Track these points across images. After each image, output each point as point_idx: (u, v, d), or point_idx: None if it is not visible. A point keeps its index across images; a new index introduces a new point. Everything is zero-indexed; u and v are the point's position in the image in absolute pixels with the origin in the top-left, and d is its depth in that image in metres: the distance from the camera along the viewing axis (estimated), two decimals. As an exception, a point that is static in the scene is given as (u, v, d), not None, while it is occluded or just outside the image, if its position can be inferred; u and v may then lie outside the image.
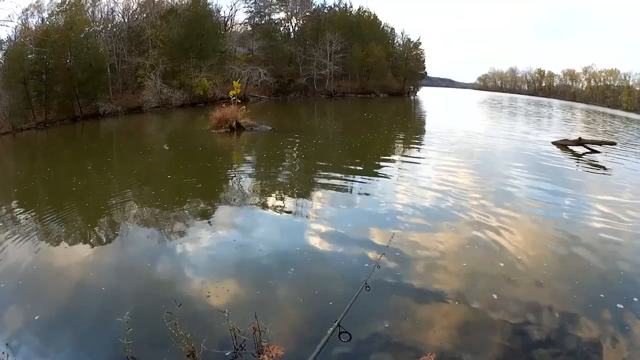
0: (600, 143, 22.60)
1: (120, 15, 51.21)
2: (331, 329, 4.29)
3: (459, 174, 14.90)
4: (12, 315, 6.45)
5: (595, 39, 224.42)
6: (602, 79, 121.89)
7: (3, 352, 5.27)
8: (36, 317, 6.29)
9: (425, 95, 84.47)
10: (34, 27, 40.62)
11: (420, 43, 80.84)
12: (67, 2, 42.21)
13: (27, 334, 5.95)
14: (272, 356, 5.18)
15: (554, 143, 23.54)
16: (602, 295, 6.85)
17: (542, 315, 6.30)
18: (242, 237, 9.36)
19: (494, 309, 6.45)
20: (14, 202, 13.35)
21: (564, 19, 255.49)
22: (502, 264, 7.82)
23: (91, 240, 9.37)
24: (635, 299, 6.75)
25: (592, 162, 18.80)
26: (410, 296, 6.81)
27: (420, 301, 6.70)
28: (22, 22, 40.88)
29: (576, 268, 7.93)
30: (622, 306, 6.54)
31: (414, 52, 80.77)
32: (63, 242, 9.29)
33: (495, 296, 6.77)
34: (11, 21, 37.61)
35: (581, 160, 19.37)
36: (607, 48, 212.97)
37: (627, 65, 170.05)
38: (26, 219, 11.23)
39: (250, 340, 5.36)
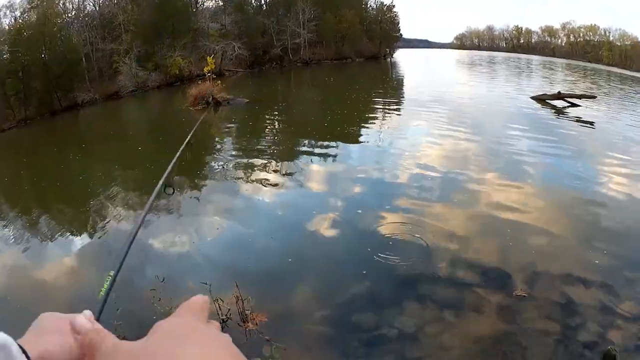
0: (579, 97, 22.69)
1: (91, 3, 50.94)
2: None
3: (450, 140, 14.77)
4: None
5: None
6: (581, 35, 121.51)
7: None
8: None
9: (402, 57, 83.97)
10: (7, 27, 40.50)
11: (393, 6, 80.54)
12: (38, -2, 41.83)
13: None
14: (256, 323, 5.38)
15: (532, 98, 23.76)
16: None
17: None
18: (223, 211, 9.66)
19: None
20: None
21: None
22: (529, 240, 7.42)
23: (81, 225, 9.84)
24: None
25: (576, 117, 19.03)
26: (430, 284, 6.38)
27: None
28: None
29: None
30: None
31: (387, 15, 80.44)
32: (55, 228, 9.86)
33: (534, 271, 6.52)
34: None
35: (563, 114, 19.72)
36: (584, 6, 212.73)
37: (606, 21, 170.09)
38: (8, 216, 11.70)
39: (234, 310, 5.53)
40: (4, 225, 10.95)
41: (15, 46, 35.81)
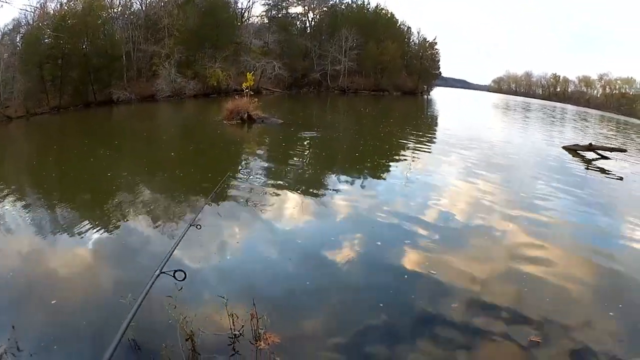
0: (611, 149, 22.35)
1: (138, 2, 51.41)
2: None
3: (478, 181, 14.46)
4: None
5: (612, 53, 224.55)
6: (617, 87, 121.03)
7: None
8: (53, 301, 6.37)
9: (439, 95, 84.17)
10: (52, 12, 40.73)
11: (435, 43, 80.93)
12: (85, -13, 42.23)
13: (33, 318, 5.99)
14: (268, 343, 5.16)
15: (564, 148, 23.30)
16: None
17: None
18: (243, 230, 9.44)
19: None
20: (27, 185, 13.61)
21: (584, 32, 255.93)
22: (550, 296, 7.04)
23: (98, 226, 9.44)
24: None
25: (607, 170, 18.50)
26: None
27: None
28: (40, 5, 41.00)
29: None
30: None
31: (429, 52, 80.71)
32: (70, 227, 9.43)
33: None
34: (31, 5, 38.02)
35: (593, 167, 19.20)
36: (623, 60, 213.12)
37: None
38: (34, 202, 11.46)
39: (247, 327, 5.35)
40: (27, 210, 10.79)
41: (57, 32, 35.88)
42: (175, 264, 7.07)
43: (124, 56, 44.13)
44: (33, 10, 39.92)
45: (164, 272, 3.54)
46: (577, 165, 19.32)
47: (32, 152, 19.64)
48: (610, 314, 6.51)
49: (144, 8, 51.36)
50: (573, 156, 21.33)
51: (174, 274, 3.51)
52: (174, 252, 3.99)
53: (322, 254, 8.18)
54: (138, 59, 47.69)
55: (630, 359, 5.51)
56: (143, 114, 35.78)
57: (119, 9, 48.91)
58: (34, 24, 39.18)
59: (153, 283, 3.28)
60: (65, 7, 41.06)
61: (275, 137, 22.84)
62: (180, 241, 4.42)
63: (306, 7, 70.12)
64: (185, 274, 3.50)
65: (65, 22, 36.93)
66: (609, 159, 20.84)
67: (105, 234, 8.98)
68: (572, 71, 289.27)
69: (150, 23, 49.93)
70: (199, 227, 5.29)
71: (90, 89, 38.65)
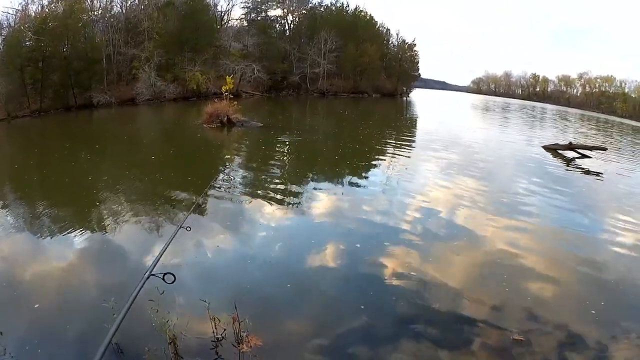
0: (590, 148, 22.88)
1: (118, 5, 51.39)
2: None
3: (456, 183, 14.66)
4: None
5: (592, 51, 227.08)
6: (597, 85, 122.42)
7: None
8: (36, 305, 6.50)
9: (418, 97, 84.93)
10: (33, 14, 40.62)
11: (414, 45, 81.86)
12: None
13: (16, 321, 6.04)
14: (251, 346, 5.29)
15: (544, 147, 23.87)
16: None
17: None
18: (224, 232, 9.49)
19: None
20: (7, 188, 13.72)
21: (562, 31, 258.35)
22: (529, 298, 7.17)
23: (79, 230, 9.42)
24: None
25: (586, 169, 19.15)
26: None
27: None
28: (22, 8, 41.00)
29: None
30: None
31: (408, 54, 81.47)
32: (50, 230, 9.50)
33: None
34: (12, 8, 38.01)
35: (573, 165, 19.90)
36: (603, 57, 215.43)
37: (623, 73, 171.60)
38: (16, 207, 11.57)
39: (230, 330, 5.47)
40: (8, 213, 10.88)
41: (38, 34, 35.94)
42: (157, 267, 7.51)
43: (104, 59, 44.07)
44: (15, 13, 40.07)
45: (153, 275, 3.69)
46: (557, 164, 19.82)
47: (14, 155, 19.64)
48: (592, 312, 6.74)
49: (124, 11, 51.29)
50: (553, 156, 21.83)
51: (163, 276, 3.67)
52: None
53: (302, 257, 8.36)
54: (118, 62, 47.58)
55: (610, 355, 5.72)
56: (123, 118, 35.80)
57: (100, 12, 48.72)
58: (16, 26, 39.10)
59: (143, 285, 3.45)
60: (47, 10, 40.87)
61: (255, 140, 23.06)
62: (169, 245, 4.70)
63: (285, 10, 70.59)
64: (174, 276, 3.70)
65: (46, 25, 36.75)
66: (590, 157, 21.38)
67: (87, 238, 8.98)
68: (551, 70, 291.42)
69: (131, 26, 49.91)
70: (188, 229, 5.66)
71: (71, 92, 38.54)
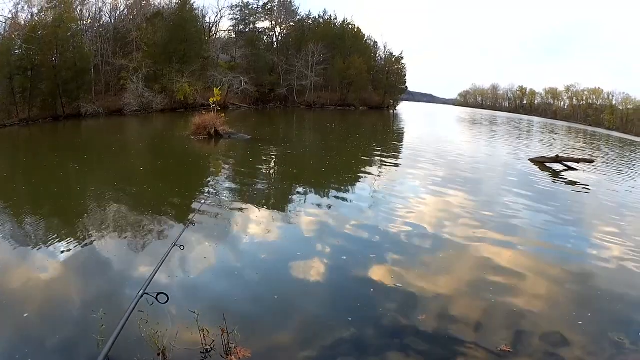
0: (577, 161, 23.13)
1: (107, 15, 51.62)
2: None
3: (443, 196, 14.82)
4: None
5: (579, 62, 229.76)
6: (584, 98, 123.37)
7: None
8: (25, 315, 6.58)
9: (405, 110, 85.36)
10: (23, 22, 40.86)
11: (402, 57, 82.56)
12: (57, -1, 42.22)
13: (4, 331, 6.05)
14: (239, 357, 5.37)
15: (531, 160, 24.04)
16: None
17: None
18: (210, 244, 9.56)
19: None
20: None
21: (549, 42, 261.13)
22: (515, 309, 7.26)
23: (67, 240, 9.48)
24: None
25: (573, 182, 19.43)
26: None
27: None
28: (12, 16, 41.18)
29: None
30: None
31: (395, 67, 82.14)
32: (39, 241, 9.54)
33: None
34: (3, 16, 38.06)
35: (559, 178, 20.07)
36: (590, 68, 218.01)
37: (610, 85, 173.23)
38: (3, 216, 11.53)
39: (219, 342, 5.53)
40: None
41: (28, 43, 36.09)
42: (142, 274, 7.72)
43: (92, 69, 44.12)
44: (5, 21, 40.15)
45: (147, 294, 3.74)
46: (544, 177, 20.06)
47: (1, 165, 19.49)
48: (579, 322, 6.84)
49: (113, 21, 51.55)
50: (540, 169, 22.03)
51: (156, 296, 3.72)
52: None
53: (289, 269, 8.41)
54: (106, 72, 47.77)
55: None
56: (111, 128, 35.81)
57: (89, 22, 48.98)
58: (5, 34, 39.26)
59: (137, 304, 3.51)
60: (36, 18, 41.10)
61: (242, 152, 23.11)
62: (162, 264, 4.79)
63: (273, 22, 71.35)
64: (167, 297, 3.76)
65: (35, 33, 36.89)
66: (577, 170, 21.67)
67: (75, 248, 9.02)
68: (539, 83, 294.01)
69: (119, 36, 50.22)
70: (182, 247, 5.81)
71: (59, 101, 38.52)
